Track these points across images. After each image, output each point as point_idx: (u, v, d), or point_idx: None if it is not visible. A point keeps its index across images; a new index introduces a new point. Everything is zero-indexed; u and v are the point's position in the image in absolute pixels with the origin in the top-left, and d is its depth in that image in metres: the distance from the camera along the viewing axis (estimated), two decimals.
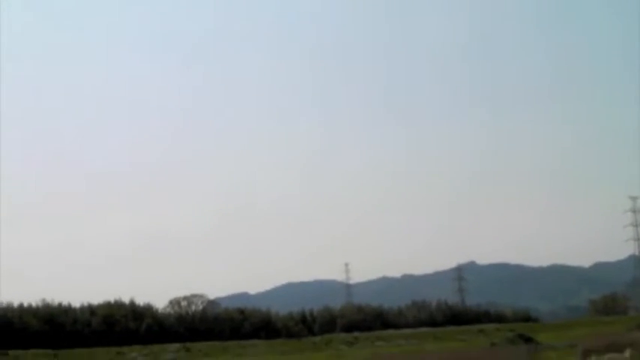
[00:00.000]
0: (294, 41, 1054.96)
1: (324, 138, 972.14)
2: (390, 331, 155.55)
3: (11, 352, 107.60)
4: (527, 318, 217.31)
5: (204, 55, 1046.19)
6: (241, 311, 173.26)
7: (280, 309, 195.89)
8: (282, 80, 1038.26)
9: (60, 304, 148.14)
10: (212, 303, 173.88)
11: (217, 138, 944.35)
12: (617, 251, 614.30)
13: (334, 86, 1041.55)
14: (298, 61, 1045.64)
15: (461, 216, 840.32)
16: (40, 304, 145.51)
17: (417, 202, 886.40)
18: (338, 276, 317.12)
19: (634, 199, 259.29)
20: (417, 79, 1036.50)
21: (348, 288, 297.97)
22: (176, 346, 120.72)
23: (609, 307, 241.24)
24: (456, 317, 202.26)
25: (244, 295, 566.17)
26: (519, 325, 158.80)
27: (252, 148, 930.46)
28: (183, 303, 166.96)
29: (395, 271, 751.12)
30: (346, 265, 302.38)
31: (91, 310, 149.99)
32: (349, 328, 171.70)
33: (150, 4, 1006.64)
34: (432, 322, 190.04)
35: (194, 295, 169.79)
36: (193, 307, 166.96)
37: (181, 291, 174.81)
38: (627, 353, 59.57)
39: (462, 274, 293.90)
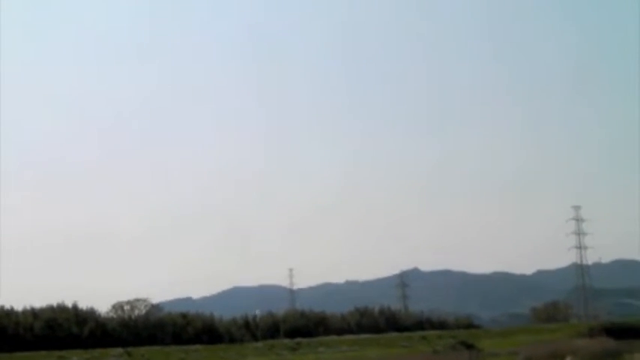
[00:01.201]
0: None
1: (269, 144, 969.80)
2: (333, 337, 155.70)
3: None
4: (469, 325, 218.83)
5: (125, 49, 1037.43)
6: (184, 316, 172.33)
7: (225, 314, 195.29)
8: (222, 83, 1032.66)
9: (2, 307, 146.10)
10: (155, 307, 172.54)
11: (165, 140, 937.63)
12: (558, 259, 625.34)
13: (280, 93, 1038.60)
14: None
15: (404, 223, 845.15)
16: None
17: (360, 208, 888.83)
18: (282, 281, 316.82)
19: (576, 208, 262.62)
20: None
21: (291, 294, 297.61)
22: (118, 350, 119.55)
23: (551, 314, 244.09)
24: (398, 324, 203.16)
25: (188, 300, 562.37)
26: (462, 332, 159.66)
27: (198, 153, 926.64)
28: (127, 307, 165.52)
29: (338, 277, 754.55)
30: (290, 270, 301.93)
31: (33, 313, 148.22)
32: (292, 333, 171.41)
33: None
34: (375, 329, 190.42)
35: (137, 300, 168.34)
36: (136, 312, 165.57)
37: (125, 295, 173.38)
38: None
39: (405, 280, 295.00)
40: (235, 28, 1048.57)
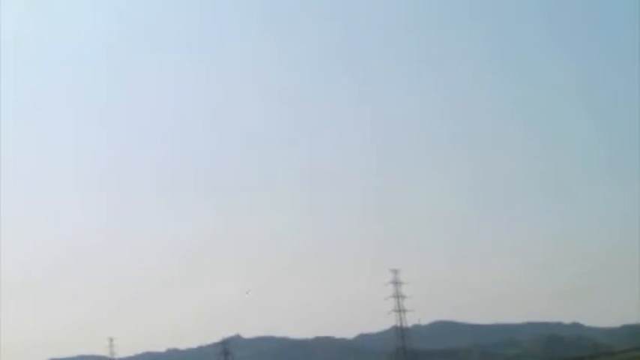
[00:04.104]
0: None
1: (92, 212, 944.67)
2: None
3: None
4: None
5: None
6: None
7: None
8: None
9: None
10: None
11: None
12: (380, 322, 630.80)
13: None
14: None
15: (225, 289, 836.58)
16: None
17: (180, 274, 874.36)
18: (102, 351, 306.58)
19: (395, 271, 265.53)
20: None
21: None
22: None
23: None
24: None
25: None
26: None
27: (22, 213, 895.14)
28: None
29: (159, 346, 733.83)
30: (111, 340, 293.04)
31: None
32: None
33: None
34: None
35: None
36: None
37: None
38: None
39: (227, 347, 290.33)
40: None
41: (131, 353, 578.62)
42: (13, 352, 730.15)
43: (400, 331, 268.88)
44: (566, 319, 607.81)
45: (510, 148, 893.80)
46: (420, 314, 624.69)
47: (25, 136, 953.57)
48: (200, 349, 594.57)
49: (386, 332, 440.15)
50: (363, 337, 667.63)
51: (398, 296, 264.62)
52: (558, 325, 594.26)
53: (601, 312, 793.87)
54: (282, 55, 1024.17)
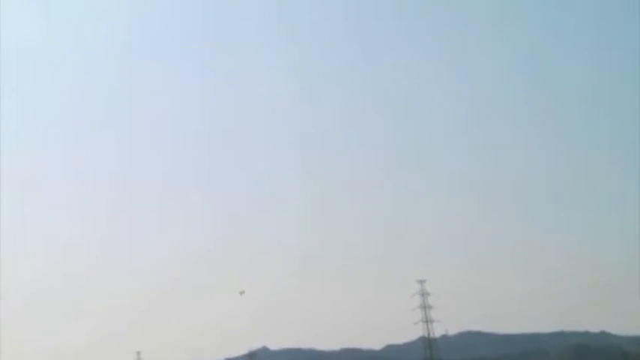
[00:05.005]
0: None
1: (111, 226, 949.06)
2: None
3: None
4: None
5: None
6: None
7: None
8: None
9: None
10: None
11: None
12: (407, 333, 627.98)
13: None
14: None
15: (250, 300, 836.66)
16: None
17: (204, 284, 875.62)
18: None
19: (421, 282, 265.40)
20: None
21: None
22: None
23: None
24: None
25: None
26: None
27: (46, 231, 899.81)
28: None
29: (186, 358, 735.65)
30: (138, 353, 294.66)
31: None
32: None
33: None
34: None
35: None
36: None
37: None
38: None
39: (254, 359, 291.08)
40: None
41: None
42: None
43: (427, 342, 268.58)
44: (594, 328, 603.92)
45: (532, 153, 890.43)
46: (448, 324, 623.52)
47: (35, 141, 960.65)
48: None
49: (413, 343, 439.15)
50: (391, 348, 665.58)
51: (425, 307, 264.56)
52: (586, 334, 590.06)
53: (628, 320, 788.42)
54: (292, 57, 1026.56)
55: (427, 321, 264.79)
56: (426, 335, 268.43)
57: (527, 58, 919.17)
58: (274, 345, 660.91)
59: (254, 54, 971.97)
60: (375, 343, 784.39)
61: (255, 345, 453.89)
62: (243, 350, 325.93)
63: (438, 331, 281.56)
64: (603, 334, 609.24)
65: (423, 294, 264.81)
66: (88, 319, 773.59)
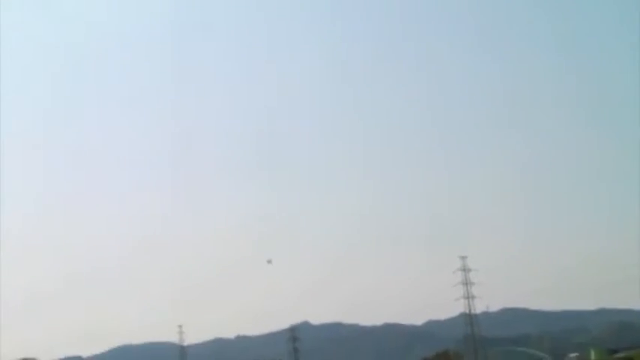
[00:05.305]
0: None
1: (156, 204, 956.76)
2: None
3: None
4: None
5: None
6: None
7: None
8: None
9: None
10: None
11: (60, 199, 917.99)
12: (448, 309, 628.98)
13: None
14: None
15: (293, 276, 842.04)
16: None
17: (248, 262, 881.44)
18: (172, 337, 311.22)
19: (463, 258, 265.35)
20: None
21: (182, 350, 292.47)
22: None
23: None
24: None
25: (77, 359, 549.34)
26: None
27: (93, 210, 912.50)
28: None
29: (229, 332, 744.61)
30: (180, 326, 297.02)
31: None
32: None
33: None
34: None
35: (26, 359, 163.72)
36: None
37: (13, 354, 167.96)
38: None
39: (295, 334, 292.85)
40: None
41: (201, 340, 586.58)
42: (88, 337, 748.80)
43: (469, 318, 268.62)
44: (636, 305, 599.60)
45: (573, 135, 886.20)
46: (489, 301, 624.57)
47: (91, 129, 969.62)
48: (268, 335, 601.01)
49: (454, 319, 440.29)
50: (432, 324, 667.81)
51: (466, 283, 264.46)
52: (628, 312, 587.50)
53: None
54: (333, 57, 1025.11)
55: (468, 297, 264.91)
56: (467, 311, 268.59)
57: None
58: (316, 320, 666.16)
59: None
60: (417, 319, 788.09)
61: (296, 320, 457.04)
62: (285, 325, 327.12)
63: (479, 308, 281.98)
64: None
65: (465, 270, 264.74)
66: (137, 293, 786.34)
